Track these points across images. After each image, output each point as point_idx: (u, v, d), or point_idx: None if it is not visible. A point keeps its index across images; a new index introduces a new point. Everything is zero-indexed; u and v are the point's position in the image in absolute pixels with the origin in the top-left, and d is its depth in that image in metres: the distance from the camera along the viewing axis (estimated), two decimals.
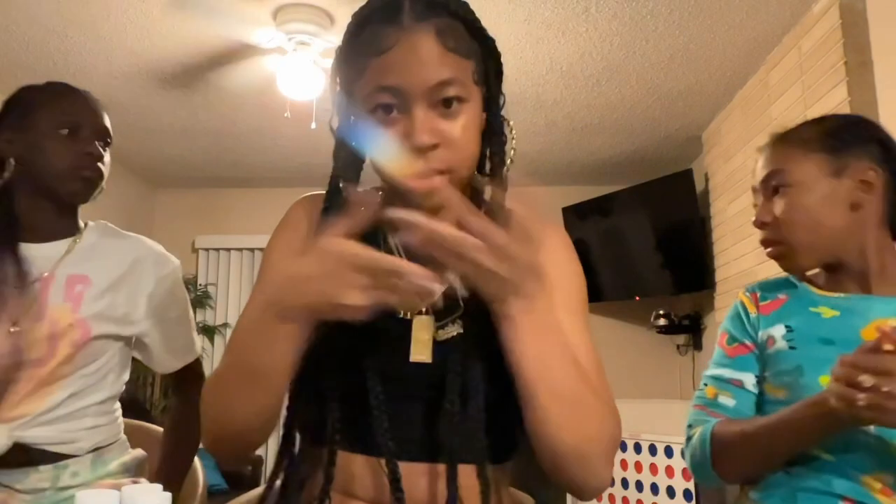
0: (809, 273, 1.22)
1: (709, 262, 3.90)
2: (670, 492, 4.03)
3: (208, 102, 3.59)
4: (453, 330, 0.81)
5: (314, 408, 0.81)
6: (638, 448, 4.25)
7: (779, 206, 1.16)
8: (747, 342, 1.22)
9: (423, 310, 0.82)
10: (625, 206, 4.38)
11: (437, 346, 0.80)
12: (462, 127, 0.80)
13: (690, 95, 3.47)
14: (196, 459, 1.56)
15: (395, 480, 0.75)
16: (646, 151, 4.27)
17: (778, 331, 1.17)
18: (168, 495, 0.63)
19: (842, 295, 1.15)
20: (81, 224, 1.39)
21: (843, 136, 1.15)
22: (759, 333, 1.21)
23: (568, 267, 0.90)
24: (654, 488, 4.12)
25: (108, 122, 1.37)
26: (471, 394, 0.77)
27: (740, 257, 3.43)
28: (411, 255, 0.81)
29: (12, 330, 1.21)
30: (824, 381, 0.99)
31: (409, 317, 0.82)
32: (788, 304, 1.20)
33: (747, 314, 1.24)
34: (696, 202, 4.01)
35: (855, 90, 2.38)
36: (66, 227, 1.35)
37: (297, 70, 2.87)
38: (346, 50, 0.83)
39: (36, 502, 1.20)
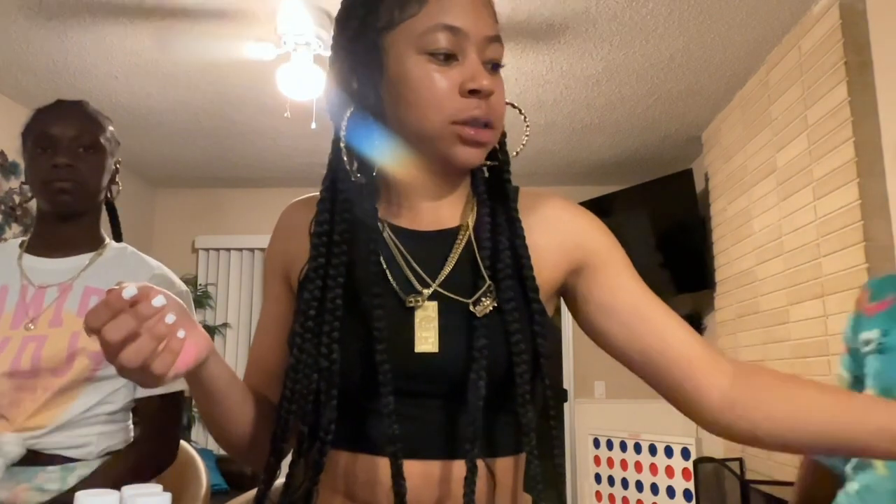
0: None
1: (709, 262, 3.90)
2: (670, 492, 4.03)
3: (208, 102, 3.59)
4: (488, 304, 0.77)
5: (311, 406, 0.75)
6: (638, 448, 4.25)
7: None
8: (847, 343, 1.21)
9: (428, 295, 0.77)
10: (625, 206, 4.38)
11: (477, 321, 0.75)
12: (502, 89, 0.79)
13: (690, 95, 3.47)
14: (198, 459, 1.56)
15: (398, 481, 0.70)
16: (646, 151, 4.27)
17: (874, 334, 1.14)
18: (168, 495, 0.63)
19: None
20: (106, 239, 1.42)
21: None
22: (861, 335, 1.18)
23: (608, 238, 0.87)
24: (654, 488, 4.12)
25: (92, 127, 1.36)
26: (518, 369, 0.75)
27: (740, 257, 3.43)
28: (409, 248, 0.80)
29: (30, 326, 1.27)
30: None
31: (417, 304, 0.77)
32: (895, 306, 1.15)
33: (855, 313, 1.21)
34: (696, 202, 4.02)
35: (855, 90, 2.38)
36: (85, 241, 1.38)
37: (297, 70, 2.87)
38: None
39: (43, 499, 1.23)
